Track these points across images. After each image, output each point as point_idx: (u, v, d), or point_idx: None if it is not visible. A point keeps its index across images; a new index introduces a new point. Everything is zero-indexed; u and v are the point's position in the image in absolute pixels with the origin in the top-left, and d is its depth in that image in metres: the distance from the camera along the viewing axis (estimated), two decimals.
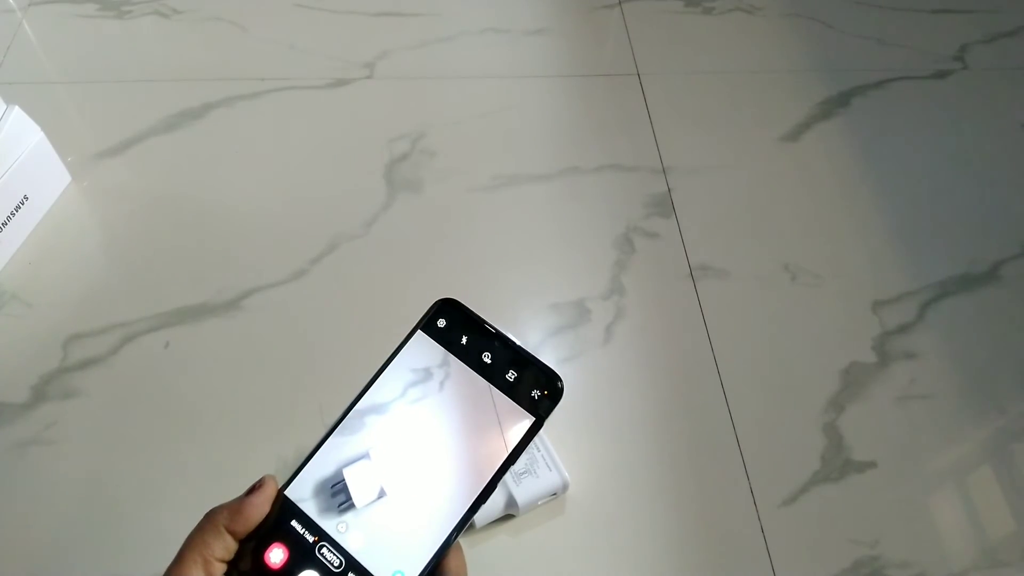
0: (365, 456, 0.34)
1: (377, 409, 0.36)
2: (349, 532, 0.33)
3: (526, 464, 0.58)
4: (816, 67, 0.91)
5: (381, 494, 0.34)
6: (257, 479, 0.34)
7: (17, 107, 0.69)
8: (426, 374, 0.36)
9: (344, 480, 0.34)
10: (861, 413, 0.66)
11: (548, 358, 0.67)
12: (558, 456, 0.58)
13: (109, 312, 0.68)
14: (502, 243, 0.75)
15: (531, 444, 0.58)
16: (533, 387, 0.35)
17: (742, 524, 0.60)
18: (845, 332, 0.70)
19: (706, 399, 0.66)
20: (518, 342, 0.36)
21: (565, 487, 0.58)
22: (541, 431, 0.59)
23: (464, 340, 0.36)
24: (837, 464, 0.63)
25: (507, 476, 0.57)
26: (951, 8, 0.98)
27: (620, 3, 0.97)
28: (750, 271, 0.74)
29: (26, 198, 0.71)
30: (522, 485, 0.57)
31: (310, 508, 0.33)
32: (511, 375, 0.35)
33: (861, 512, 0.61)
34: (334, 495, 0.34)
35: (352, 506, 0.33)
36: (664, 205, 0.78)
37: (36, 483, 0.59)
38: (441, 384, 0.36)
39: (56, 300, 0.69)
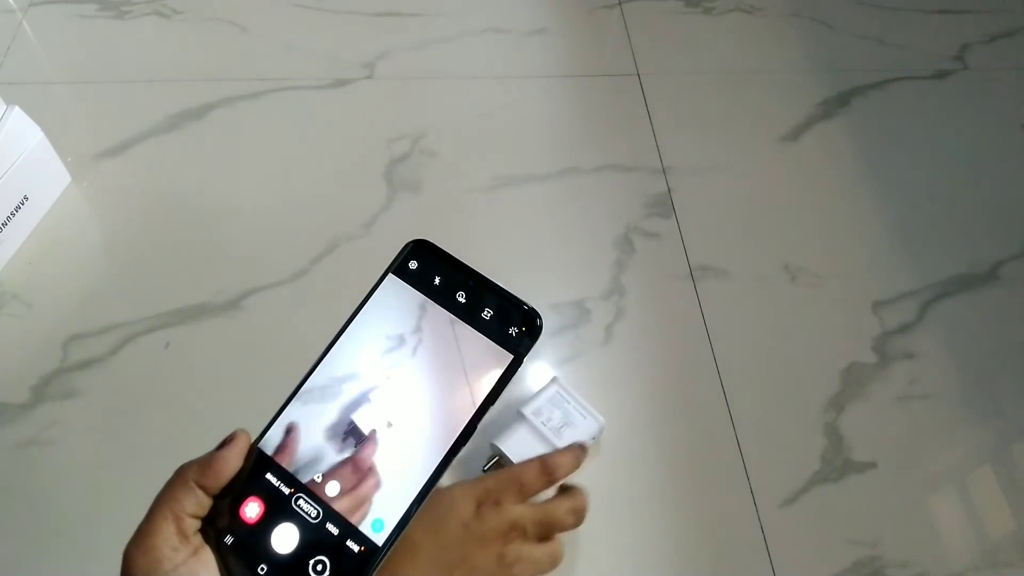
0: (353, 405, 0.34)
1: (353, 369, 0.35)
2: (326, 483, 0.32)
3: (562, 418, 0.59)
4: (816, 67, 0.91)
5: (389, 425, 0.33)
6: (231, 432, 0.33)
7: (17, 107, 0.69)
8: (403, 326, 0.35)
9: (353, 422, 0.33)
10: (861, 413, 0.66)
11: (548, 358, 0.68)
12: (587, 403, 0.60)
13: (109, 312, 0.68)
14: (502, 243, 0.75)
15: (561, 399, 0.59)
16: (510, 324, 0.34)
17: (742, 524, 0.60)
18: (845, 332, 0.70)
19: (706, 399, 0.66)
20: (493, 279, 0.35)
21: (601, 429, 0.60)
22: (565, 385, 0.59)
23: (437, 281, 0.35)
24: (837, 464, 0.63)
25: (547, 432, 0.57)
26: (951, 8, 0.98)
27: (620, 3, 0.97)
28: (750, 271, 0.74)
29: (26, 198, 0.71)
30: (563, 438, 0.58)
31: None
32: (487, 313, 0.34)
33: (861, 512, 0.61)
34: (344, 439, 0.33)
35: (363, 436, 0.33)
36: (664, 205, 0.78)
37: (36, 483, 0.59)
38: (418, 340, 0.35)
39: (56, 300, 0.69)
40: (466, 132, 0.83)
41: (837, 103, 0.88)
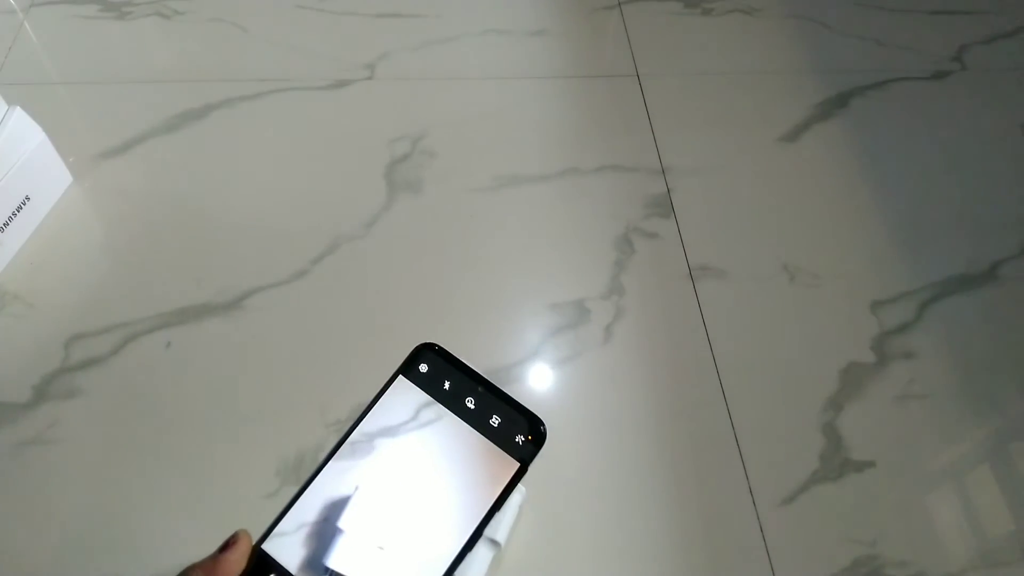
0: (352, 515, 0.33)
1: (360, 456, 0.35)
2: None
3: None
4: (815, 68, 0.91)
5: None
6: (232, 534, 0.33)
7: (19, 108, 0.69)
8: (412, 422, 0.35)
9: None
10: (860, 413, 0.66)
11: (548, 358, 0.68)
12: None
13: (111, 312, 0.68)
14: (502, 243, 0.75)
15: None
16: (517, 432, 0.35)
17: (741, 523, 0.60)
18: (844, 332, 0.71)
19: (705, 399, 0.66)
20: (501, 387, 0.36)
21: (524, 499, 0.57)
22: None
23: (447, 385, 0.36)
24: (836, 463, 0.63)
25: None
26: (950, 9, 0.98)
27: (620, 4, 0.97)
28: (749, 271, 0.74)
29: (28, 199, 0.71)
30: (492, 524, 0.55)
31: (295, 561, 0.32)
32: (495, 420, 0.35)
33: (860, 511, 0.61)
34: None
35: None
36: (663, 205, 0.78)
37: (37, 482, 0.60)
38: (427, 446, 0.35)
39: (58, 300, 0.69)
40: (466, 132, 0.83)
41: (836, 103, 0.88)
